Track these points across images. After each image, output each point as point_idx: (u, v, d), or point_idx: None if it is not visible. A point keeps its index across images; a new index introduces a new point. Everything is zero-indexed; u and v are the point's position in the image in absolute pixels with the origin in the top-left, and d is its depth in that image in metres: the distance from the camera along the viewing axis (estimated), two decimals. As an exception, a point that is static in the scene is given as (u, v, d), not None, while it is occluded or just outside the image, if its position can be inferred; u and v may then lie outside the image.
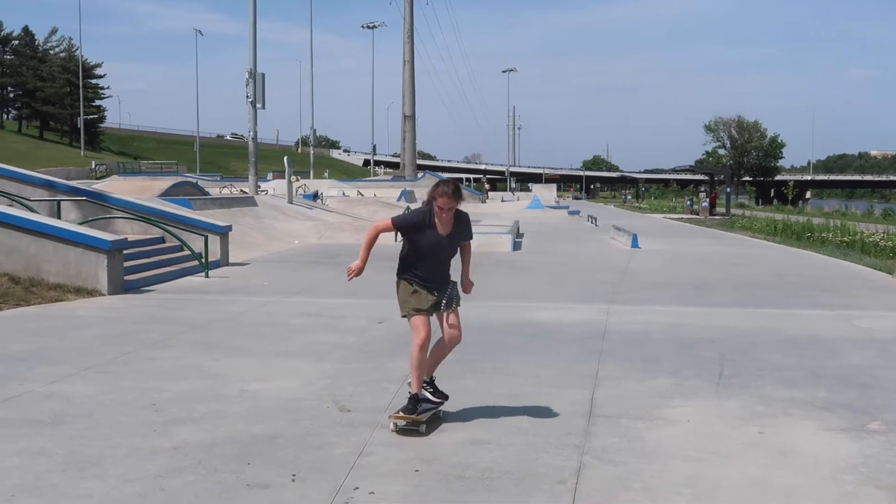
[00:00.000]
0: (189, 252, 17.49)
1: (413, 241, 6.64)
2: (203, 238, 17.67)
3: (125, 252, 15.15)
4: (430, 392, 6.80)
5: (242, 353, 9.41)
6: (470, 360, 9.13)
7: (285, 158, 36.11)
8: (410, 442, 6.32)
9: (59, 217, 17.42)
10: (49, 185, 20.44)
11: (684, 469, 5.80)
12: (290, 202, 34.37)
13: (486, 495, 5.27)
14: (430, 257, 6.64)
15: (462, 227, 6.76)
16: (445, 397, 6.90)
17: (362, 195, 50.81)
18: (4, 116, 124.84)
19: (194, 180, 43.04)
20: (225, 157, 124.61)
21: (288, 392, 7.75)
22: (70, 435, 6.39)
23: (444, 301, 6.71)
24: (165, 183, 30.95)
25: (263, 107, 35.97)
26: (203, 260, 17.21)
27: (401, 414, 6.53)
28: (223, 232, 19.36)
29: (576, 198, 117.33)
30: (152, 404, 7.27)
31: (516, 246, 24.05)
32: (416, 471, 5.69)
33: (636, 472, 5.73)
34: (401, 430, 6.50)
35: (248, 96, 35.37)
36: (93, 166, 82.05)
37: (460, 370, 8.64)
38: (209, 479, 5.50)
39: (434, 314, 6.74)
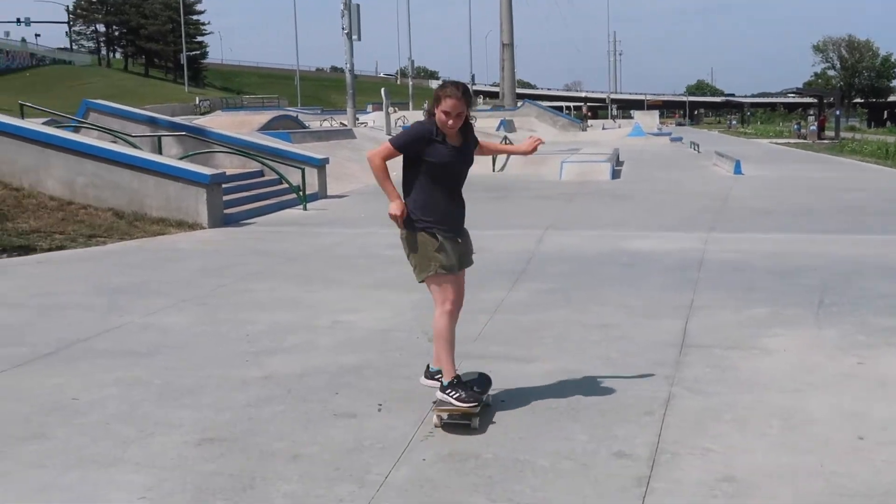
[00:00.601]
0: (287, 185, 17.70)
1: (422, 167, 5.17)
2: (300, 171, 17.84)
3: (224, 186, 15.42)
4: (450, 390, 5.23)
5: (336, 285, 9.51)
6: (562, 290, 9.07)
7: (382, 90, 36.08)
8: (500, 371, 6.29)
9: (160, 152, 17.79)
10: (151, 121, 20.88)
11: (778, 401, 5.65)
12: (388, 134, 34.40)
13: (571, 426, 5.22)
14: (448, 185, 5.27)
15: (471, 138, 5.45)
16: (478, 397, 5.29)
17: (461, 125, 50.49)
18: (112, 55, 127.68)
19: (294, 114, 43.44)
20: (325, 90, 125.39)
21: (378, 323, 7.80)
22: (165, 365, 6.55)
23: (466, 251, 5.48)
24: (265, 117, 31.28)
25: (359, 38, 35.94)
26: (301, 193, 17.40)
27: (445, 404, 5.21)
28: (320, 165, 19.52)
29: (679, 124, 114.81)
30: (246, 335, 7.40)
31: (615, 174, 23.68)
32: (502, 401, 5.68)
33: (728, 403, 5.61)
34: (446, 425, 5.19)
35: (343, 28, 35.37)
36: (196, 102, 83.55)
37: (552, 300, 8.59)
38: (297, 409, 5.59)
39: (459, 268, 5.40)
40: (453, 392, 5.15)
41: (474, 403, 5.12)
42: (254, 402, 5.73)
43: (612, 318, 7.86)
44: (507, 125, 49.97)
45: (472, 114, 5.24)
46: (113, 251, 12.07)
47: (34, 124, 16.77)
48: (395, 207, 5.14)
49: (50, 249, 12.02)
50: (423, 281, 5.29)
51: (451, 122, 5.06)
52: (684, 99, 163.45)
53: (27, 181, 15.07)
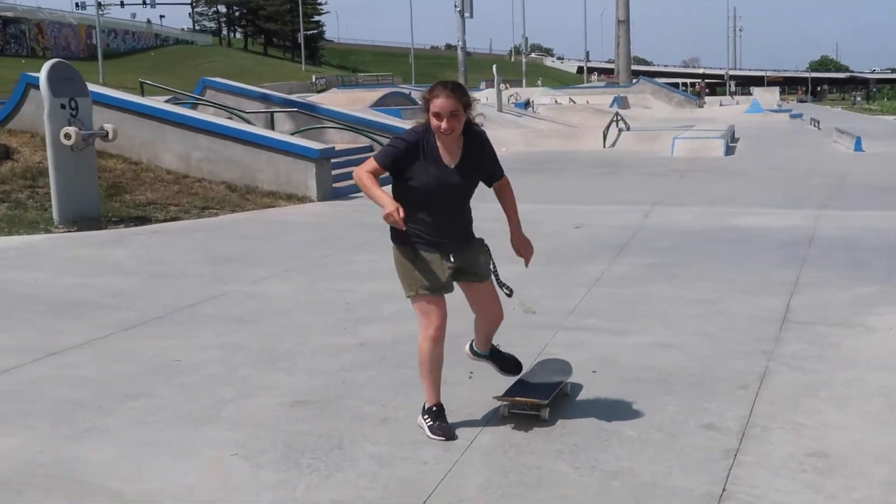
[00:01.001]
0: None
1: (407, 182, 4.52)
2: (408, 146, 17.98)
3: (333, 160, 15.66)
4: (427, 416, 4.75)
5: (436, 257, 9.58)
6: (664, 265, 8.96)
7: (494, 67, 36.10)
8: (593, 343, 6.29)
9: (272, 128, 18.16)
10: (264, 98, 21.34)
11: (879, 379, 5.49)
12: (500, 110, 34.38)
13: (661, 398, 5.18)
14: (434, 202, 4.53)
15: (480, 155, 4.66)
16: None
17: (574, 102, 50.12)
18: (232, 35, 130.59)
19: (407, 91, 43.78)
20: (439, 67, 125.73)
21: (476, 294, 7.83)
22: (265, 332, 6.73)
23: (468, 267, 4.80)
24: (377, 94, 31.58)
25: (471, 16, 36.01)
26: (408, 168, 17.55)
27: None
28: (428, 140, 19.62)
29: (801, 101, 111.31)
30: (345, 304, 7.55)
31: (729, 150, 23.14)
32: (594, 371, 5.66)
33: (825, 380, 5.48)
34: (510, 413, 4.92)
35: (456, 6, 35.48)
36: (313, 80, 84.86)
37: (652, 275, 8.50)
38: (389, 375, 5.69)
39: (452, 288, 4.78)
40: (428, 419, 4.70)
41: (442, 438, 4.59)
42: (348, 367, 5.85)
43: (713, 293, 7.73)
44: (621, 102, 49.28)
45: (477, 117, 4.62)
46: (224, 222, 12.42)
47: (153, 101, 17.34)
48: (389, 204, 4.31)
49: (165, 220, 12.45)
50: (409, 297, 4.71)
51: (444, 124, 4.35)
52: (806, 75, 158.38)
53: (145, 155, 15.60)
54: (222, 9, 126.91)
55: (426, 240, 4.60)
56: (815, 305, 7.28)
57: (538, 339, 6.41)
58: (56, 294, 8.02)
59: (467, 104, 4.46)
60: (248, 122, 17.92)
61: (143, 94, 20.93)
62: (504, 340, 6.27)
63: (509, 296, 4.94)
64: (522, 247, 5.06)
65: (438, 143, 4.49)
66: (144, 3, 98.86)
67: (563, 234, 10.86)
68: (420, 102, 4.55)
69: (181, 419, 4.94)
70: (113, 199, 13.46)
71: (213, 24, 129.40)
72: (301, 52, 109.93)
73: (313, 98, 29.34)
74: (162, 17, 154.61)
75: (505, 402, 4.90)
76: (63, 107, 11.92)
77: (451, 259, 4.65)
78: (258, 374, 5.74)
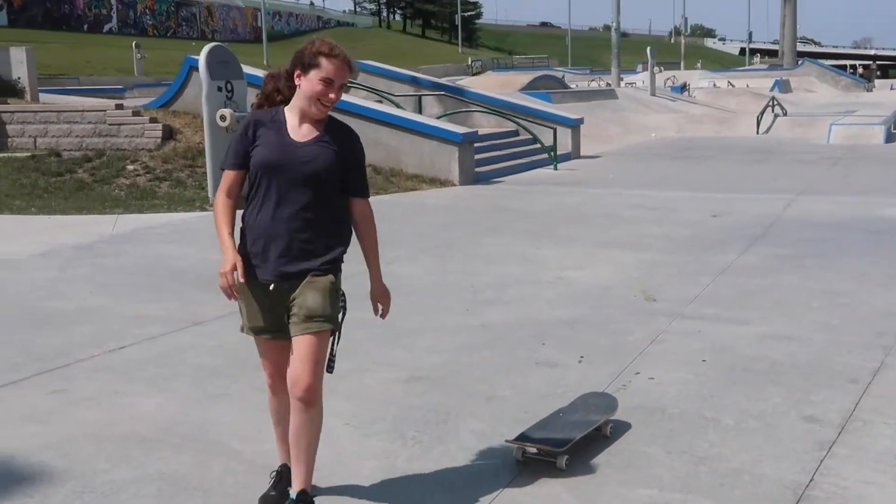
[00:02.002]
0: (540, 145, 18.03)
1: (252, 167, 3.51)
2: (552, 130, 18.10)
3: (478, 145, 15.96)
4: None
5: (567, 242, 9.75)
6: (797, 255, 8.87)
7: (648, 49, 35.57)
8: (709, 332, 6.35)
9: (420, 111, 18.58)
10: (413, 81, 21.78)
11: None
12: (653, 94, 33.96)
13: (768, 388, 5.24)
14: (276, 187, 3.47)
15: (341, 144, 3.55)
16: None
17: (733, 86, 48.88)
18: (391, 17, 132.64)
19: (560, 74, 43.73)
20: (598, 49, 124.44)
21: (600, 280, 7.98)
22: (393, 310, 7.03)
23: (294, 310, 3.52)
24: (527, 77, 31.73)
25: (627, -3, 35.58)
26: (552, 153, 17.68)
27: None
28: (575, 125, 19.69)
29: None
30: (471, 286, 7.81)
31: (890, 137, 22.27)
32: (704, 360, 5.75)
33: (943, 377, 5.42)
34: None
35: (611, -14, 35.14)
36: (469, 62, 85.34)
37: (783, 265, 8.44)
38: (503, 355, 5.93)
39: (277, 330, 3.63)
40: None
41: None
42: (465, 347, 6.12)
43: (842, 285, 7.63)
44: (783, 85, 47.74)
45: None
46: (366, 204, 12.87)
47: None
48: (227, 261, 3.43)
49: (311, 201, 12.98)
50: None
51: (332, 94, 3.45)
52: None
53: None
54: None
55: (249, 248, 3.54)
56: (949, 301, 7.12)
57: (654, 326, 6.52)
58: (203, 268, 8.56)
59: (352, 78, 3.59)
60: (398, 105, 18.38)
61: (298, 77, 21.69)
62: (620, 328, 6.47)
63: (329, 372, 3.64)
64: (381, 298, 3.90)
65: (288, 116, 3.53)
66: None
67: (699, 223, 10.83)
68: (297, 58, 3.49)
69: (303, 389, 5.31)
70: (265, 179, 14.12)
71: (373, 6, 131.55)
72: (458, 34, 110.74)
73: (464, 81, 29.75)
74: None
75: (517, 447, 4.27)
76: (220, 89, 12.58)
77: (272, 285, 3.53)
78: (379, 349, 6.07)
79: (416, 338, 6.33)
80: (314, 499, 3.67)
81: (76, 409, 5.04)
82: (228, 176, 3.54)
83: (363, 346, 6.12)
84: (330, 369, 3.63)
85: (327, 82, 3.44)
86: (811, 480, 4.07)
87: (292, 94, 3.56)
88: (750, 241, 9.62)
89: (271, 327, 3.60)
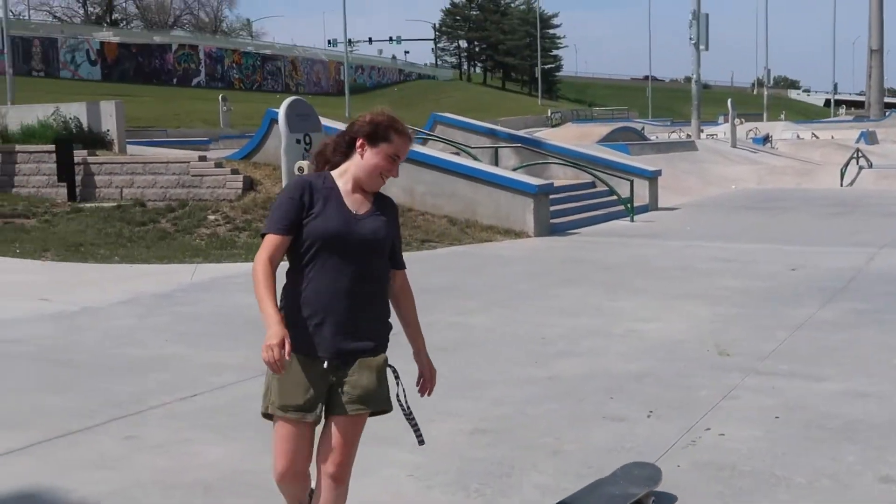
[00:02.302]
0: (617, 197, 17.96)
1: (300, 236, 3.31)
2: (629, 182, 18.02)
3: (554, 196, 15.96)
4: None
5: (641, 294, 9.65)
6: (879, 310, 8.66)
7: (729, 101, 35.29)
8: (784, 388, 6.20)
9: (496, 163, 18.68)
10: (491, 133, 21.95)
11: None
12: (734, 146, 33.59)
13: (845, 446, 5.10)
14: (336, 261, 3.31)
15: (389, 216, 3.44)
16: None
17: (817, 137, 48.12)
18: (472, 69, 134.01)
19: (640, 126, 43.65)
20: (678, 101, 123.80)
21: (673, 334, 7.87)
22: (461, 361, 7.06)
23: (360, 388, 3.39)
24: (606, 129, 31.71)
25: (707, 48, 35.40)
26: (629, 204, 17.58)
27: None
28: (652, 177, 19.57)
29: None
30: (542, 338, 7.77)
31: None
32: (777, 417, 5.62)
33: None
34: None
35: (691, 38, 34.99)
36: (549, 114, 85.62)
37: (863, 321, 8.24)
38: (571, 409, 5.87)
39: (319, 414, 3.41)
40: None
41: None
42: (533, 399, 6.08)
43: (925, 342, 7.42)
44: (869, 137, 46.83)
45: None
46: (439, 255, 12.94)
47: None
48: (274, 334, 3.15)
49: (386, 251, 13.09)
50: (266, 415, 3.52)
51: (395, 170, 3.39)
52: None
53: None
54: (463, 44, 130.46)
55: (304, 325, 3.31)
56: None
57: (727, 381, 6.40)
58: (277, 318, 8.68)
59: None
60: (474, 157, 18.50)
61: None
62: (691, 382, 6.37)
63: (421, 443, 3.67)
64: (426, 369, 3.69)
65: (341, 189, 3.37)
66: (391, 39, 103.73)
67: (777, 276, 10.64)
68: (361, 127, 3.37)
69: (368, 439, 5.23)
70: (341, 229, 14.29)
71: (454, 59, 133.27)
72: (538, 86, 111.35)
73: (542, 133, 29.82)
74: (406, 52, 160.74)
75: None
76: (298, 142, 12.83)
77: (328, 366, 3.35)
78: (446, 400, 6.03)
79: (484, 389, 6.31)
80: None
81: (145, 456, 5.12)
82: (274, 241, 3.27)
83: (429, 398, 6.10)
84: (421, 441, 3.66)
85: (394, 159, 3.36)
86: (885, 544, 3.94)
87: (341, 162, 3.43)
88: (829, 295, 9.41)
89: (305, 406, 3.34)
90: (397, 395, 3.49)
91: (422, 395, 3.68)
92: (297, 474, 3.47)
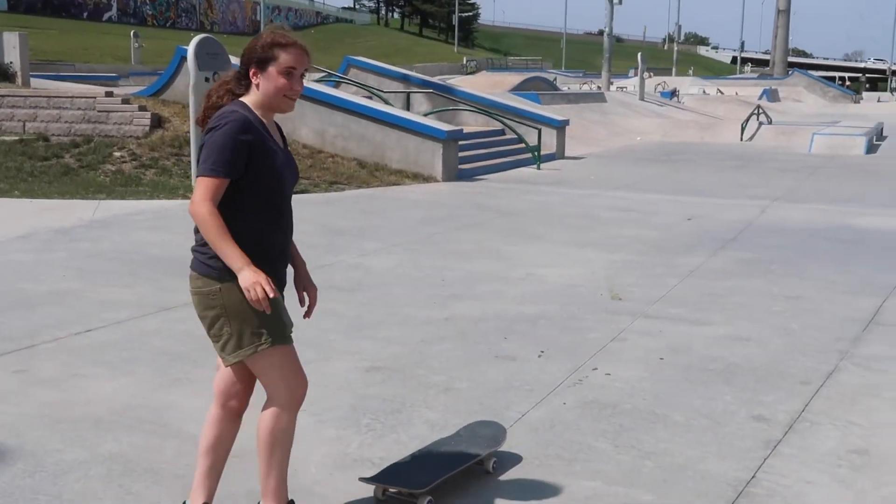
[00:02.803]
0: (525, 145, 18.05)
1: (251, 177, 3.16)
2: (536, 131, 18.12)
3: (463, 143, 15.97)
4: None
5: (541, 241, 9.75)
6: (765, 260, 8.90)
7: (639, 55, 35.59)
8: (669, 331, 6.36)
9: (408, 108, 18.58)
10: (404, 78, 21.78)
11: (950, 384, 5.42)
12: (642, 99, 34.02)
13: (721, 388, 5.26)
14: (281, 200, 3.30)
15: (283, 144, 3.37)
16: None
17: (722, 93, 48.99)
18: (390, 15, 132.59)
19: (552, 77, 43.74)
20: (592, 54, 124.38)
21: (569, 279, 7.99)
22: (360, 301, 7.07)
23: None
24: (518, 78, 31.72)
25: (620, 2, 35.69)
26: (536, 153, 17.69)
27: None
28: (560, 126, 19.72)
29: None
30: (441, 280, 7.81)
31: (871, 148, 22.36)
32: (661, 359, 5.77)
33: (894, 381, 5.44)
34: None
35: (605, -10, 35.20)
36: (464, 62, 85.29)
37: (749, 270, 8.46)
38: (464, 349, 5.93)
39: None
40: None
41: None
42: (429, 339, 6.12)
43: (806, 291, 7.66)
44: (771, 94, 47.89)
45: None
46: (347, 197, 12.87)
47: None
48: (248, 277, 3.05)
49: (294, 193, 12.96)
50: (238, 361, 3.27)
51: (297, 86, 3.22)
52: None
53: (284, 130, 16.21)
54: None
55: (272, 262, 3.27)
56: (909, 309, 7.15)
57: (616, 324, 6.53)
58: (179, 255, 8.52)
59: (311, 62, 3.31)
60: (386, 101, 18.37)
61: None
62: (583, 325, 6.48)
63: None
64: (310, 289, 3.55)
65: (262, 120, 3.23)
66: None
67: (674, 226, 10.86)
68: (249, 55, 3.21)
69: (263, 375, 5.30)
70: (250, 169, 14.10)
71: (371, 4, 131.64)
72: (455, 33, 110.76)
73: (456, 80, 29.73)
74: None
75: (376, 486, 3.77)
76: (207, 80, 12.52)
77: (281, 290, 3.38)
78: (344, 340, 6.07)
79: (381, 329, 6.33)
80: None
81: (35, 390, 5.03)
82: (216, 184, 3.09)
83: (328, 336, 6.12)
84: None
85: (289, 73, 3.17)
86: (753, 478, 4.09)
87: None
88: (721, 245, 9.64)
89: (291, 325, 3.33)
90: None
91: (307, 316, 3.58)
92: (304, 395, 3.42)
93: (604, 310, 6.95)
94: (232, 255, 3.07)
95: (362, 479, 3.80)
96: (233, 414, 3.47)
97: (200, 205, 3.08)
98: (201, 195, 3.09)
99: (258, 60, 3.18)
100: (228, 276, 3.13)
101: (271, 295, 3.05)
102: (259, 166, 3.17)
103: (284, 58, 3.16)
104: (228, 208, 3.14)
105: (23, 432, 4.45)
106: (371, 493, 3.82)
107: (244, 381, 3.43)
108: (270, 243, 3.26)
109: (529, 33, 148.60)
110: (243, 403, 3.46)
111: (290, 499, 3.46)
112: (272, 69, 3.17)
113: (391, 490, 3.74)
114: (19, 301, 6.84)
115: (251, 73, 3.22)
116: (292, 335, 3.33)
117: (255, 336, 3.20)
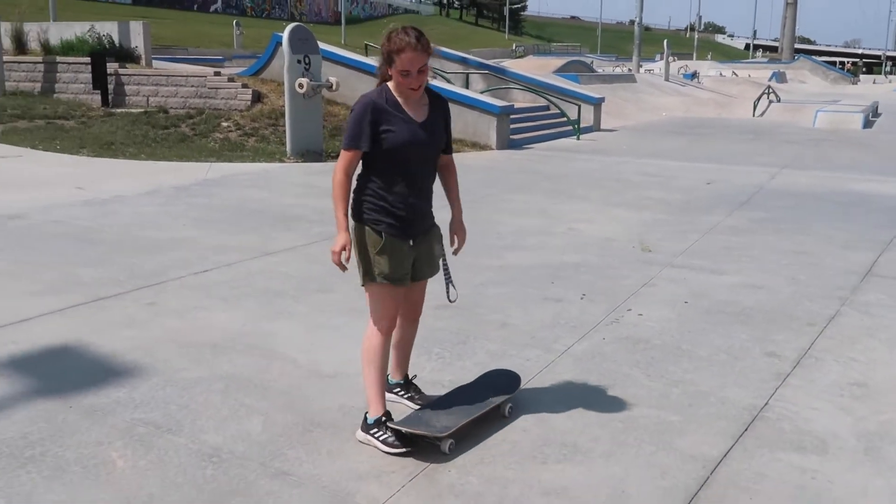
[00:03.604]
0: (566, 119, 17.82)
1: (377, 148, 3.35)
2: (577, 107, 17.88)
3: (513, 116, 15.79)
4: (376, 430, 3.54)
5: (580, 200, 9.66)
6: (775, 219, 8.73)
7: (665, 42, 34.82)
8: (692, 279, 6.28)
9: (467, 87, 18.39)
10: (462, 61, 21.53)
11: (938, 328, 5.29)
12: (667, 80, 33.30)
13: (737, 328, 5.20)
14: (407, 166, 3.40)
15: (443, 117, 3.54)
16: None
17: (736, 75, 47.76)
18: (450, 6, 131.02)
19: (590, 60, 43.05)
20: (624, 41, 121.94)
21: (605, 233, 7.91)
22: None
23: (422, 256, 3.62)
24: (561, 62, 31.29)
25: (649, -4, 34.82)
26: (576, 125, 17.47)
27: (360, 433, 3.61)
28: (596, 103, 19.41)
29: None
30: (496, 234, 7.79)
31: (867, 124, 21.69)
32: (686, 302, 5.70)
33: (888, 325, 5.32)
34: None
35: (636, -13, 34.39)
36: (513, 48, 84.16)
37: (762, 227, 8.31)
38: (517, 291, 5.91)
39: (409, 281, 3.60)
40: (379, 433, 3.53)
41: (402, 450, 3.47)
42: (486, 283, 6.11)
43: (811, 246, 7.51)
44: (779, 77, 46.69)
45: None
46: (417, 162, 12.83)
47: (370, 59, 17.86)
48: (339, 242, 3.36)
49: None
50: (363, 285, 3.55)
51: (413, 82, 3.31)
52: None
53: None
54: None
55: (396, 218, 3.43)
56: (901, 263, 6.97)
57: (647, 272, 6.47)
58: (278, 209, 8.63)
59: (429, 55, 3.35)
60: (448, 80, 18.22)
61: (367, 54, 21.55)
62: (618, 273, 6.41)
63: (453, 301, 3.83)
64: (459, 232, 3.77)
65: (400, 99, 3.38)
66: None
67: (695, 189, 10.68)
68: (382, 58, 3.36)
69: (350, 311, 5.35)
70: (335, 138, 14.11)
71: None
72: (506, 23, 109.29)
73: (505, 63, 29.32)
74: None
75: (405, 430, 3.52)
76: (298, 62, 12.56)
77: (412, 244, 3.53)
78: (415, 281, 6.08)
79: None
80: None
81: (163, 319, 5.14)
82: (350, 156, 3.36)
83: (402, 278, 6.14)
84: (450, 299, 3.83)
85: (406, 74, 3.30)
86: (766, 404, 4.05)
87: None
88: (736, 205, 9.47)
89: (404, 277, 3.54)
90: (442, 258, 3.73)
91: (455, 253, 3.82)
92: (392, 327, 3.63)
93: (635, 260, 6.88)
94: (338, 219, 3.36)
95: (392, 425, 3.52)
96: (401, 322, 3.76)
97: (335, 172, 3.40)
98: (338, 164, 3.40)
99: (386, 60, 3.35)
100: (358, 220, 3.45)
101: (337, 260, 3.35)
102: (381, 140, 3.34)
103: (399, 62, 3.29)
104: (367, 173, 3.44)
105: (155, 353, 4.55)
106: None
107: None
108: (399, 203, 3.42)
109: (570, 23, 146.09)
110: (392, 325, 3.65)
111: (385, 410, 3.58)
112: (394, 70, 3.33)
113: (415, 433, 3.51)
114: (148, 245, 6.96)
115: (387, 69, 3.38)
116: (401, 279, 3.50)
117: (363, 272, 3.51)
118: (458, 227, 3.77)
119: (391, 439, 3.49)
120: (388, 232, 3.44)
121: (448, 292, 3.74)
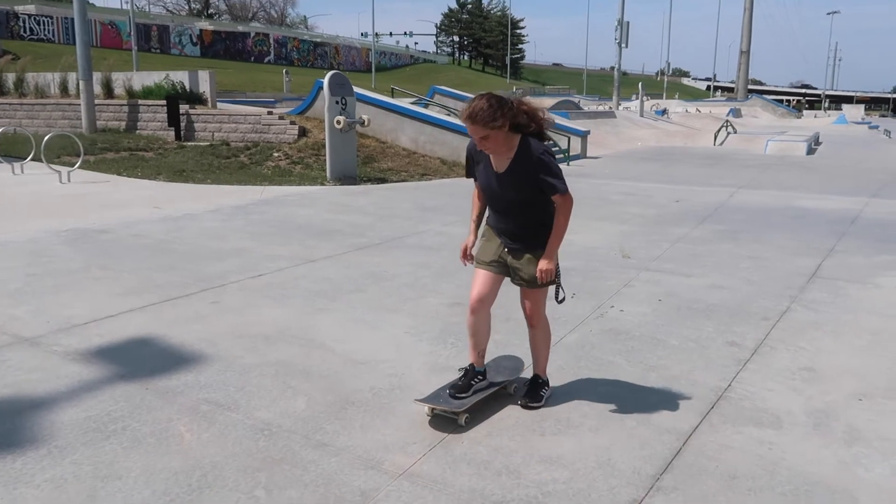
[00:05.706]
0: (558, 147, 17.73)
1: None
2: (567, 139, 17.80)
3: (514, 146, 15.73)
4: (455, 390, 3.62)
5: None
6: (734, 230, 8.62)
7: (640, 84, 34.77)
8: (665, 281, 6.21)
9: (475, 122, 18.35)
10: (472, 101, 21.50)
11: (873, 321, 5.19)
12: (641, 115, 33.21)
13: (703, 321, 5.12)
14: (491, 203, 3.53)
15: (525, 167, 3.29)
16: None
17: (699, 111, 47.53)
18: (462, 57, 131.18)
19: (577, 100, 42.87)
20: (606, 83, 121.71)
21: (590, 242, 7.84)
22: (443, 257, 7.02)
23: (513, 267, 3.58)
24: (553, 101, 31.24)
25: (626, 46, 34.76)
26: (566, 153, 17.38)
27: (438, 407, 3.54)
28: (583, 135, 19.33)
29: (882, 116, 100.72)
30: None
31: (810, 151, 21.51)
32: (659, 300, 5.63)
33: (831, 319, 5.23)
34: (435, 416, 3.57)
35: (616, 39, 34.34)
36: (514, 90, 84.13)
37: (722, 237, 8.20)
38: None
39: (497, 270, 3.62)
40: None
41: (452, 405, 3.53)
42: (493, 284, 6.03)
43: (764, 253, 7.41)
44: (735, 112, 46.39)
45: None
46: (433, 185, 12.81)
47: (398, 101, 17.87)
48: (463, 244, 3.72)
49: (397, 181, 12.97)
50: None
51: (480, 144, 3.30)
52: (890, 96, 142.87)
53: (389, 138, 16.20)
54: (456, 39, 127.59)
55: (491, 222, 3.62)
56: (841, 267, 6.86)
57: (626, 275, 6.39)
58: (319, 224, 8.61)
59: (494, 126, 3.19)
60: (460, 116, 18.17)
61: (392, 96, 21.56)
62: (603, 275, 6.33)
63: (560, 302, 3.72)
64: (547, 261, 3.50)
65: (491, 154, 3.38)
66: (405, 33, 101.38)
67: (666, 206, 10.58)
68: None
69: (379, 308, 5.32)
70: (366, 165, 14.12)
71: (449, 49, 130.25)
72: (508, 70, 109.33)
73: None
74: (416, 43, 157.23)
75: (428, 406, 3.57)
76: (337, 102, 12.57)
77: (502, 247, 3.57)
78: (433, 283, 6.04)
79: (459, 276, 6.26)
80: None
81: (224, 315, 5.11)
82: (473, 182, 3.63)
83: (422, 281, 6.10)
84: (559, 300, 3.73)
85: (473, 139, 3.32)
86: (729, 386, 3.97)
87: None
88: (700, 219, 9.37)
89: (487, 262, 3.59)
90: (556, 276, 3.61)
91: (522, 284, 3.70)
92: (481, 304, 3.59)
93: (617, 265, 6.81)
94: (471, 220, 3.68)
95: (417, 401, 3.56)
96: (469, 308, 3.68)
97: (474, 193, 3.66)
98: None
99: None
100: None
101: (464, 262, 3.71)
102: (476, 176, 3.56)
103: (469, 130, 3.30)
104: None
105: (217, 343, 4.52)
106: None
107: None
108: (491, 219, 3.60)
109: (560, 69, 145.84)
110: (473, 301, 3.64)
111: (472, 363, 3.71)
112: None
113: (437, 409, 3.53)
114: (212, 254, 6.95)
115: None
116: (483, 266, 3.61)
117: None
118: (543, 258, 3.49)
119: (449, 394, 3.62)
120: (492, 226, 3.60)
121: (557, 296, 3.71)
